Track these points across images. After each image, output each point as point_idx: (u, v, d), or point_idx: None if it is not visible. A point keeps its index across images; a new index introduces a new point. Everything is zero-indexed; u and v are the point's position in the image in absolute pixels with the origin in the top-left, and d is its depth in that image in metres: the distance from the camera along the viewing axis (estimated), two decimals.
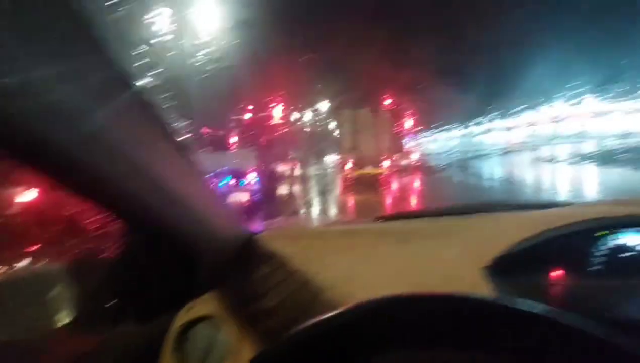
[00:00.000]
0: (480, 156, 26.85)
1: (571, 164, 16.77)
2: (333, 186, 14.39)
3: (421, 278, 0.84)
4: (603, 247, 0.92)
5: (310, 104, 27.45)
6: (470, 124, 43.75)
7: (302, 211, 9.21)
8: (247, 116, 20.41)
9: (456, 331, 0.51)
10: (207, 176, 0.86)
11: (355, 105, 15.78)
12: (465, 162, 21.60)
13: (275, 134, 21.08)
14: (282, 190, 14.61)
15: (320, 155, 26.57)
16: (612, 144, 24.02)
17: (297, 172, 18.72)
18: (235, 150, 16.39)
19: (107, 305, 0.85)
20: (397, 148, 15.56)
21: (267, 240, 1.02)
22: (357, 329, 0.52)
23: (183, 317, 0.81)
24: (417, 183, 13.86)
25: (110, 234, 0.98)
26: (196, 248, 0.81)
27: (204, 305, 0.83)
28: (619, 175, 11.48)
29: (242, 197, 9.51)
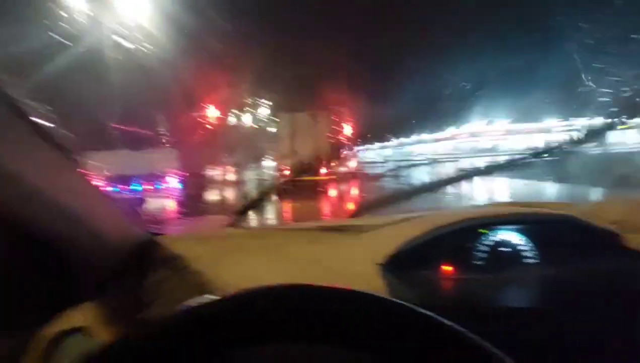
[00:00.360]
0: (411, 165, 28.70)
1: (484, 174, 18.60)
2: (267, 192, 13.80)
3: (324, 275, 0.89)
4: (485, 243, 1.02)
5: (247, 106, 26.72)
6: (401, 135, 46.85)
7: (223, 215, 8.77)
8: (176, 115, 18.66)
9: (332, 325, 0.48)
10: (111, 177, 0.74)
11: (294, 108, 15.42)
12: (399, 171, 22.58)
13: (206, 136, 19.81)
14: (208, 194, 13.61)
15: (256, 159, 26.05)
16: (517, 158, 27.63)
17: (229, 176, 17.66)
18: (156, 151, 14.20)
19: None
20: (335, 155, 15.00)
21: (169, 243, 0.99)
22: (224, 321, 0.47)
23: (52, 328, 0.73)
24: (354, 191, 14.10)
25: None
26: (73, 250, 0.74)
27: (80, 314, 0.76)
28: (523, 184, 13.02)
29: (156, 200, 8.84)
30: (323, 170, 13.24)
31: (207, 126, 20.57)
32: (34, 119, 0.65)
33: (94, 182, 0.85)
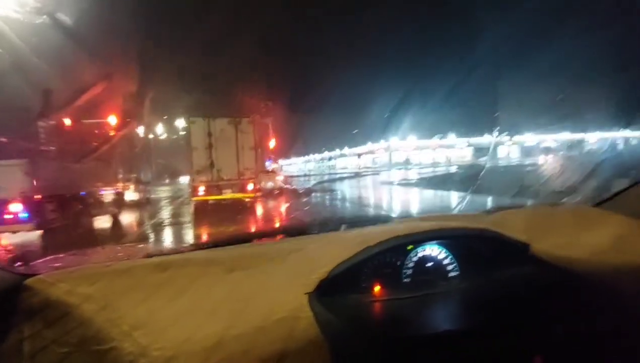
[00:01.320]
0: (335, 179, 29.39)
1: (399, 185, 20.18)
2: (180, 214, 11.22)
3: (245, 308, 0.79)
4: (410, 260, 1.02)
5: (157, 113, 23.63)
6: (324, 149, 48.40)
7: (117, 244, 6.69)
8: (67, 123, 14.74)
9: None
10: None
11: (212, 113, 12.00)
12: (326, 185, 22.41)
13: (99, 147, 16.58)
14: (96, 220, 10.29)
15: (164, 175, 21.93)
16: (427, 170, 31.04)
17: (129, 196, 14.25)
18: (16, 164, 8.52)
19: None
20: (260, 168, 12.71)
21: (42, 286, 0.79)
22: None
23: None
24: (283, 208, 12.12)
25: None
26: None
27: None
28: (432, 194, 14.35)
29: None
30: (249, 186, 11.39)
31: (101, 136, 17.26)
32: None
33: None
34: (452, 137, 45.96)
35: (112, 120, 17.58)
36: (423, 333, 0.90)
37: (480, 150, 43.18)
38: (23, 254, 1.00)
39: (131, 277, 0.86)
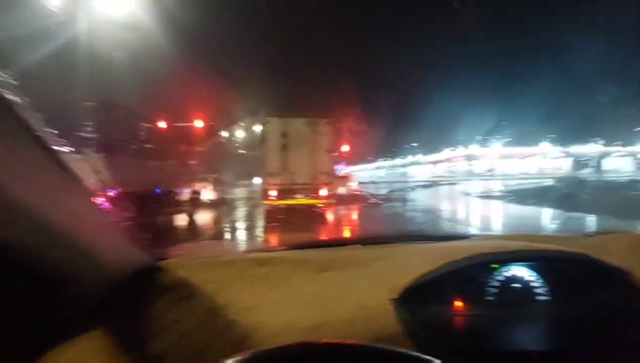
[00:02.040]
0: (409, 187, 28.14)
1: (481, 197, 18.54)
2: (255, 216, 11.18)
3: (335, 305, 0.87)
4: (495, 279, 1.01)
5: (237, 116, 22.81)
6: (396, 156, 47.14)
7: (216, 238, 7.49)
8: (163, 125, 15.24)
9: None
10: (97, 190, 0.57)
11: (287, 113, 11.31)
12: (399, 193, 21.48)
13: (190, 150, 16.71)
14: (197, 213, 11.46)
15: (244, 177, 22.04)
16: (513, 182, 28.04)
17: (215, 194, 14.77)
18: (147, 163, 10.85)
19: None
20: (333, 173, 11.76)
21: (172, 269, 0.94)
22: None
23: None
24: (359, 215, 11.74)
25: None
26: (69, 277, 0.68)
27: (78, 348, 0.71)
28: (519, 210, 12.88)
29: (144, 218, 7.61)
30: (323, 191, 10.52)
31: (194, 140, 17.89)
32: (41, 137, 0.59)
33: (96, 202, 0.77)
34: (545, 145, 40.95)
35: (198, 123, 19.05)
36: (506, 350, 0.92)
37: (580, 161, 38.04)
38: (157, 240, 1.16)
39: (236, 268, 1.00)
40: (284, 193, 10.36)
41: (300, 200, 10.41)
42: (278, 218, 9.26)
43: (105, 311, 0.77)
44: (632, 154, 35.02)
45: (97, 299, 0.75)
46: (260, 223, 9.78)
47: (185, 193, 9.85)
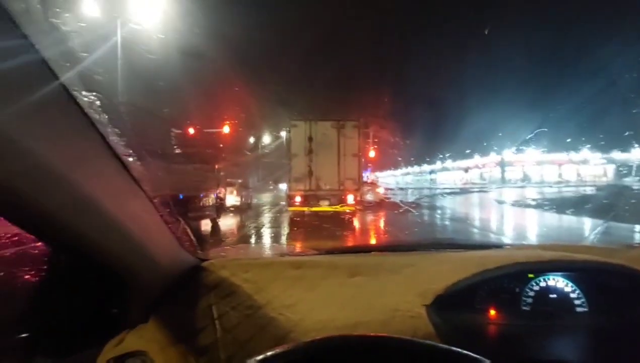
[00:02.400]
0: (438, 194, 27.41)
1: (515, 205, 17.83)
2: (282, 222, 10.89)
3: (369, 307, 0.90)
4: (531, 289, 0.99)
5: (265, 122, 23.17)
6: (424, 162, 46.10)
7: (252, 241, 7.75)
8: (191, 131, 15.06)
9: None
10: (152, 194, 0.78)
11: (313, 116, 10.71)
12: (428, 200, 20.92)
13: (218, 155, 16.34)
14: (229, 216, 11.86)
15: (272, 182, 22.41)
16: (551, 190, 26.62)
17: (241, 200, 14.79)
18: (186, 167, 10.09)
19: (19, 338, 0.73)
20: (360, 179, 10.95)
21: (214, 269, 1.00)
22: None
23: (110, 351, 0.72)
24: (382, 223, 11.15)
25: (29, 255, 0.91)
26: (130, 274, 0.74)
27: (136, 337, 0.76)
28: (557, 219, 12.29)
29: (193, 220, 7.80)
30: (350, 198, 9.99)
31: (225, 146, 18.26)
32: (109, 140, 0.63)
33: (156, 206, 0.82)
34: (584, 152, 38.72)
35: (226, 129, 18.22)
36: (541, 361, 0.90)
37: (625, 168, 35.39)
38: (200, 242, 1.18)
39: (273, 270, 1.04)
40: (309, 199, 10.00)
41: (326, 207, 9.97)
42: (305, 225, 9.25)
43: (159, 305, 0.83)
44: None
45: (153, 294, 0.82)
46: (286, 229, 9.64)
47: (210, 199, 9.64)
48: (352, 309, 0.91)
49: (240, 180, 16.42)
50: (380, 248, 1.41)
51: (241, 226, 10.75)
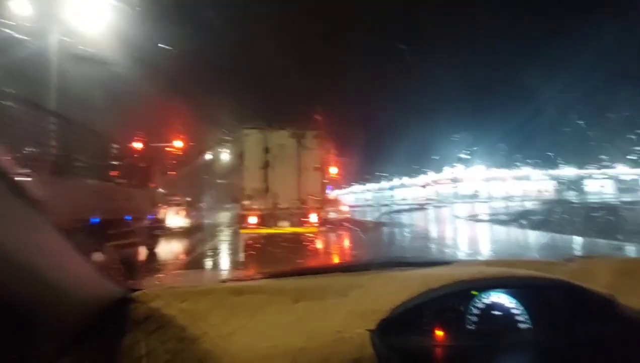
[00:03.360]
0: (398, 210, 27.81)
1: (468, 220, 18.56)
2: (233, 244, 9.63)
3: (312, 337, 0.86)
4: (475, 307, 0.99)
5: (219, 134, 20.50)
6: (383, 179, 47.48)
7: (191, 268, 6.93)
8: (137, 146, 12.13)
9: None
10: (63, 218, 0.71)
11: (269, 124, 9.31)
12: (389, 217, 20.74)
13: (167, 172, 14.57)
14: (167, 240, 10.05)
15: (226, 200, 19.92)
16: (499, 204, 28.42)
17: (189, 220, 13.08)
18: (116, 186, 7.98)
19: None
20: (324, 195, 9.79)
21: (146, 299, 0.92)
22: None
23: None
24: (346, 242, 10.44)
25: None
26: (33, 312, 0.67)
27: None
28: (505, 232, 12.86)
29: (117, 246, 6.31)
30: (312, 217, 8.73)
31: (167, 159, 16.09)
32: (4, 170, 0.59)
33: (63, 235, 0.71)
34: (527, 169, 41.95)
35: (178, 144, 16.35)
36: None
37: (563, 184, 38.90)
38: (130, 271, 1.13)
39: (213, 298, 0.98)
40: (266, 219, 8.59)
41: (286, 228, 8.64)
42: (258, 246, 8.09)
43: (77, 346, 0.77)
44: (613, 177, 36.28)
45: (66, 333, 0.75)
46: (238, 252, 8.39)
47: (142, 221, 7.79)
48: (295, 336, 0.86)
49: (189, 199, 14.63)
50: (328, 270, 1.38)
51: (187, 251, 9.29)
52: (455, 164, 41.85)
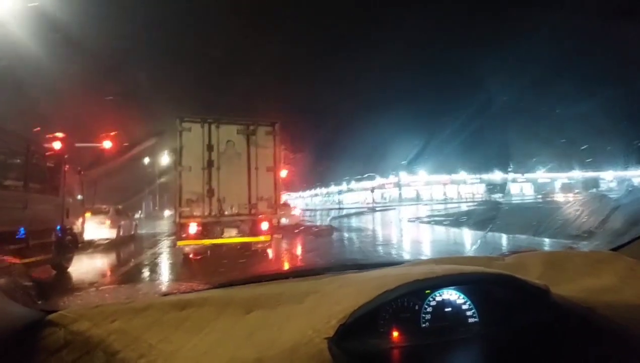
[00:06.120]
0: (347, 214, 28.07)
1: (412, 221, 19.74)
2: (172, 255, 8.61)
3: (269, 347, 0.81)
4: (429, 305, 1.01)
5: (156, 132, 18.46)
6: (331, 183, 48.36)
7: (121, 283, 5.90)
8: (56, 146, 9.80)
9: None
10: None
11: (214, 117, 7.86)
12: (339, 221, 20.70)
13: (93, 176, 12.88)
14: (87, 256, 8.67)
15: (161, 206, 19.00)
16: (439, 207, 30.53)
17: (96, 232, 10.74)
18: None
19: None
20: (277, 201, 8.22)
21: (66, 322, 0.83)
22: None
23: None
24: (298, 249, 9.75)
25: None
26: None
27: None
28: (445, 232, 13.93)
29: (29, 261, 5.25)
30: (264, 225, 7.65)
31: (94, 162, 14.03)
32: None
33: None
34: (462, 174, 46.13)
35: (107, 144, 13.79)
36: None
37: (491, 187, 43.42)
38: (42, 291, 0.97)
39: (151, 314, 0.89)
40: (209, 228, 7.39)
41: (234, 238, 7.50)
42: (199, 256, 7.24)
43: None
44: (531, 180, 41.53)
45: None
46: (175, 267, 7.39)
47: (48, 234, 6.41)
48: (248, 349, 0.81)
49: (119, 206, 12.62)
50: (280, 276, 1.34)
51: (112, 268, 7.81)
52: (400, 169, 44.12)
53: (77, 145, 13.84)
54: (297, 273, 1.36)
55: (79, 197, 8.73)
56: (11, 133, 6.11)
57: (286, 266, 7.32)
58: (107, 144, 14.42)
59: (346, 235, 13.95)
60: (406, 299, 1.00)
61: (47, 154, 7.22)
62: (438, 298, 1.03)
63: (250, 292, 1.10)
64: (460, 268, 1.14)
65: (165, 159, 19.90)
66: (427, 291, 1.02)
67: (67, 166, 7.71)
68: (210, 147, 7.49)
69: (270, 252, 8.01)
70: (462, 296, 1.05)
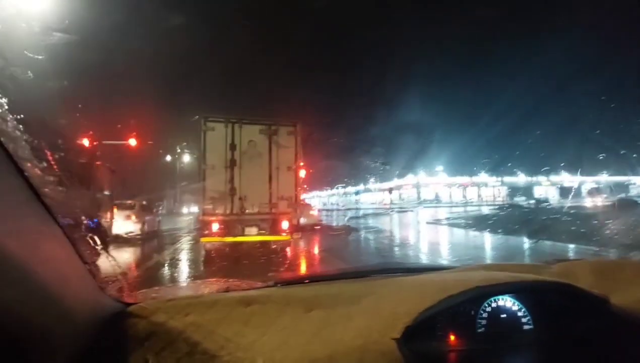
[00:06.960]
0: (365, 214, 27.66)
1: (432, 224, 19.17)
2: (200, 253, 8.38)
3: (337, 345, 0.84)
4: (484, 311, 1.02)
5: (180, 131, 19.05)
6: (348, 183, 48.26)
7: (183, 278, 6.23)
8: (85, 143, 11.11)
9: None
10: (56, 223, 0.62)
11: (236, 117, 7.97)
12: (357, 221, 20.42)
13: (119, 172, 13.13)
14: (120, 251, 8.81)
15: (185, 202, 19.41)
16: (459, 209, 29.79)
17: (119, 227, 10.64)
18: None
19: None
20: (297, 199, 8.43)
21: (146, 314, 0.86)
22: None
23: None
24: (317, 250, 9.69)
25: None
26: (32, 333, 0.57)
27: None
28: (478, 237, 12.94)
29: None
30: (284, 224, 7.72)
31: (121, 158, 14.62)
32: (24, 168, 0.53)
33: (72, 244, 0.68)
34: (483, 175, 44.98)
35: (132, 141, 14.41)
36: None
37: (514, 190, 42.16)
38: (125, 284, 1.00)
39: (220, 310, 0.92)
40: (230, 226, 7.47)
41: (254, 236, 7.60)
42: (223, 258, 7.32)
43: None
44: (555, 184, 40.10)
45: (69, 354, 0.66)
46: (198, 262, 7.50)
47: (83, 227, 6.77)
48: (318, 345, 0.83)
49: (144, 202, 12.72)
50: (331, 277, 1.37)
51: (139, 262, 7.92)
52: (419, 170, 43.62)
53: (105, 142, 14.51)
54: (344, 275, 1.39)
55: (107, 192, 9.17)
56: (59, 132, 6.80)
57: (315, 267, 7.41)
58: (132, 142, 14.97)
59: (361, 236, 13.64)
60: (464, 304, 1.01)
61: (84, 152, 8.01)
62: (493, 305, 1.04)
63: (307, 291, 1.13)
64: (520, 276, 1.14)
65: (186, 157, 20.18)
66: (485, 299, 1.03)
67: (98, 162, 8.37)
68: (232, 147, 7.63)
69: (289, 249, 8.15)
70: (516, 303, 1.05)
